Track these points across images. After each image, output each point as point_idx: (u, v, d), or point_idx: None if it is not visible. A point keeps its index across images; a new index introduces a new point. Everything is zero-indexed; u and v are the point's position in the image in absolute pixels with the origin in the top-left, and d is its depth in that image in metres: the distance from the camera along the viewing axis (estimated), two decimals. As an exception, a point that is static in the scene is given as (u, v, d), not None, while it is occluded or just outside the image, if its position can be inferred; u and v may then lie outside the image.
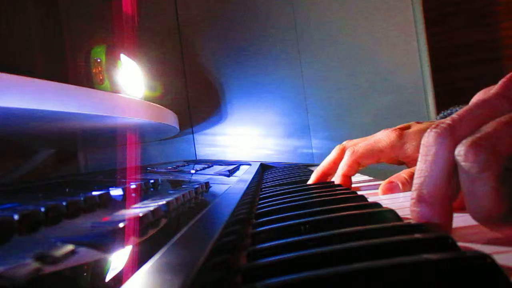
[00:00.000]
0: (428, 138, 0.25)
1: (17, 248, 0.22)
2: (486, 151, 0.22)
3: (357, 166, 0.52)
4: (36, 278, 0.16)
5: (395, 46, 1.18)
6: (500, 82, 0.25)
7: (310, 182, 0.56)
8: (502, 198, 0.22)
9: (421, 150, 0.25)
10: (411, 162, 0.51)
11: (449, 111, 0.60)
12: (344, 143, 0.57)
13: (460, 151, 0.23)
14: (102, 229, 0.23)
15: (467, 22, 1.48)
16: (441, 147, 0.24)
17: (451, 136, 0.24)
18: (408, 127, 0.52)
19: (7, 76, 0.37)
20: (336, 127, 1.21)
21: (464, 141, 0.23)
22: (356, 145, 0.52)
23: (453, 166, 0.24)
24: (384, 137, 0.52)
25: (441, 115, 0.62)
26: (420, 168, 0.25)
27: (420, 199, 0.25)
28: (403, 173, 0.46)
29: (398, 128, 0.52)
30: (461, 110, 0.25)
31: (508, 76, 0.25)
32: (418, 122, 0.53)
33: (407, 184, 0.44)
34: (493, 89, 0.26)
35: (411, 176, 0.44)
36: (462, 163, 0.23)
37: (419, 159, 0.25)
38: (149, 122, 0.79)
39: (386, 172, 0.53)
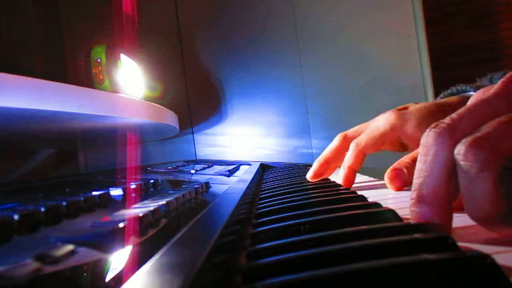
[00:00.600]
0: (428, 138, 0.25)
1: (17, 248, 0.22)
2: (486, 151, 0.22)
3: (363, 157, 0.52)
4: (36, 278, 0.16)
5: (395, 46, 1.18)
6: (500, 82, 0.25)
7: (311, 171, 0.56)
8: (501, 198, 0.22)
9: (420, 150, 0.25)
10: (412, 144, 0.51)
11: (449, 91, 0.60)
12: (342, 134, 0.56)
13: (460, 150, 0.23)
14: (102, 229, 0.23)
15: (467, 22, 1.48)
16: (440, 147, 0.24)
17: (451, 136, 0.24)
18: (406, 108, 0.52)
19: (7, 76, 0.37)
20: (336, 127, 1.21)
21: (463, 140, 0.23)
22: (359, 137, 0.52)
23: (453, 166, 0.23)
24: (382, 120, 0.52)
25: (441, 95, 0.61)
26: (420, 168, 0.25)
27: (419, 199, 0.25)
28: (405, 158, 0.46)
29: (396, 109, 0.52)
30: (461, 110, 0.25)
31: (508, 76, 0.25)
32: (415, 103, 0.53)
33: (411, 168, 0.44)
34: (492, 89, 0.26)
35: (414, 159, 0.43)
36: (462, 162, 0.22)
37: (418, 159, 0.25)
38: (149, 122, 0.79)
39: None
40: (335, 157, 0.55)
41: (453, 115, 0.25)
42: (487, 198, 0.22)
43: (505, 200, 0.22)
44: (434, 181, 0.24)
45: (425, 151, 0.25)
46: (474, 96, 0.28)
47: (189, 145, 1.28)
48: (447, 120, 0.25)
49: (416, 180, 0.25)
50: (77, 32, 1.26)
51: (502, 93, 0.25)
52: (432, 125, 0.25)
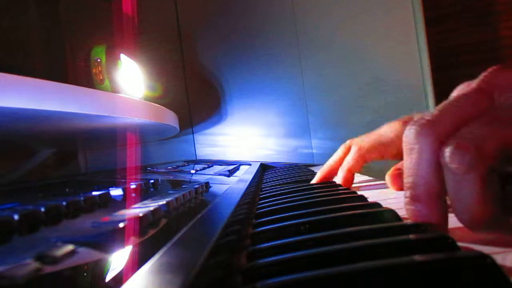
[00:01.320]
0: (409, 137, 0.25)
1: (17, 248, 0.22)
2: (472, 152, 0.22)
3: (363, 161, 0.52)
4: (36, 278, 0.16)
5: (395, 46, 1.18)
6: (481, 76, 0.25)
7: (314, 180, 0.56)
8: (488, 200, 0.22)
9: (404, 148, 0.25)
10: None
11: None
12: (348, 142, 0.57)
13: (445, 152, 0.23)
14: (102, 229, 0.23)
15: (467, 22, 1.48)
16: (422, 145, 0.24)
17: (432, 132, 0.24)
18: (411, 119, 0.52)
19: (7, 76, 0.37)
20: (336, 127, 1.21)
21: (449, 143, 0.23)
22: (362, 141, 0.52)
23: (438, 162, 0.23)
24: (388, 130, 0.52)
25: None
26: (407, 167, 0.25)
27: (413, 198, 0.25)
28: None
29: (402, 120, 0.52)
30: (441, 105, 0.25)
31: (488, 70, 0.25)
32: (419, 113, 0.53)
33: None
34: (473, 83, 0.26)
35: None
36: (448, 165, 0.23)
37: (404, 157, 0.25)
38: (149, 122, 0.79)
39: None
40: (339, 167, 0.55)
41: (434, 110, 0.25)
42: (473, 199, 0.22)
43: (492, 202, 0.22)
44: (423, 179, 0.24)
45: (409, 150, 0.25)
46: (456, 91, 0.28)
47: (189, 145, 1.28)
48: (427, 116, 0.25)
49: (407, 179, 0.25)
50: (77, 32, 1.26)
51: (482, 87, 0.25)
52: (412, 122, 0.25)
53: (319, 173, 0.56)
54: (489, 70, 0.25)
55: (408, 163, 0.25)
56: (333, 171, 0.55)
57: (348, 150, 0.54)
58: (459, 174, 0.22)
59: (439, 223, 0.24)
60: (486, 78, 0.25)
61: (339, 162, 0.55)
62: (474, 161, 0.22)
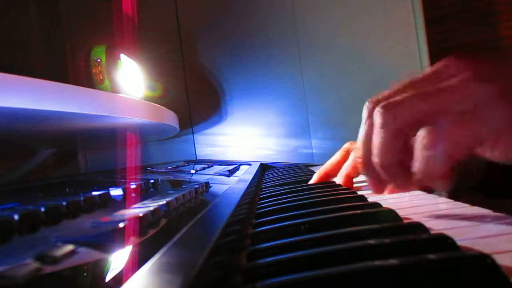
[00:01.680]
0: (363, 112, 0.32)
1: (17, 248, 0.22)
2: (386, 112, 0.29)
3: None
4: (36, 278, 0.16)
5: (395, 46, 1.18)
6: (429, 69, 0.30)
7: (311, 182, 0.56)
8: (393, 154, 0.28)
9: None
10: None
11: None
12: (347, 145, 0.57)
13: (375, 111, 0.30)
14: (102, 229, 0.23)
15: (467, 22, 1.48)
16: (367, 118, 0.31)
17: (373, 108, 0.31)
18: None
19: (7, 76, 0.37)
20: (336, 127, 1.21)
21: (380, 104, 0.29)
22: None
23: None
24: None
25: None
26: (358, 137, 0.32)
27: (358, 158, 0.32)
28: None
29: None
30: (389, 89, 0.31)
31: (440, 62, 0.30)
32: None
33: None
34: (424, 72, 0.31)
35: None
36: (374, 121, 0.30)
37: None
38: (149, 122, 0.79)
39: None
40: (336, 170, 0.55)
41: (384, 93, 0.32)
42: (382, 148, 0.29)
43: (395, 156, 0.29)
44: (361, 145, 0.32)
45: (363, 121, 0.32)
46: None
47: (189, 145, 1.28)
48: (378, 96, 0.31)
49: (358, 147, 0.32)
50: (77, 32, 1.26)
51: (430, 75, 0.29)
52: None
53: (316, 176, 0.56)
54: (440, 62, 0.30)
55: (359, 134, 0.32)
56: (330, 174, 0.56)
57: (346, 154, 0.55)
58: (375, 126, 0.29)
59: (373, 181, 0.32)
60: (434, 68, 0.30)
61: (335, 165, 0.55)
62: (388, 120, 0.28)
